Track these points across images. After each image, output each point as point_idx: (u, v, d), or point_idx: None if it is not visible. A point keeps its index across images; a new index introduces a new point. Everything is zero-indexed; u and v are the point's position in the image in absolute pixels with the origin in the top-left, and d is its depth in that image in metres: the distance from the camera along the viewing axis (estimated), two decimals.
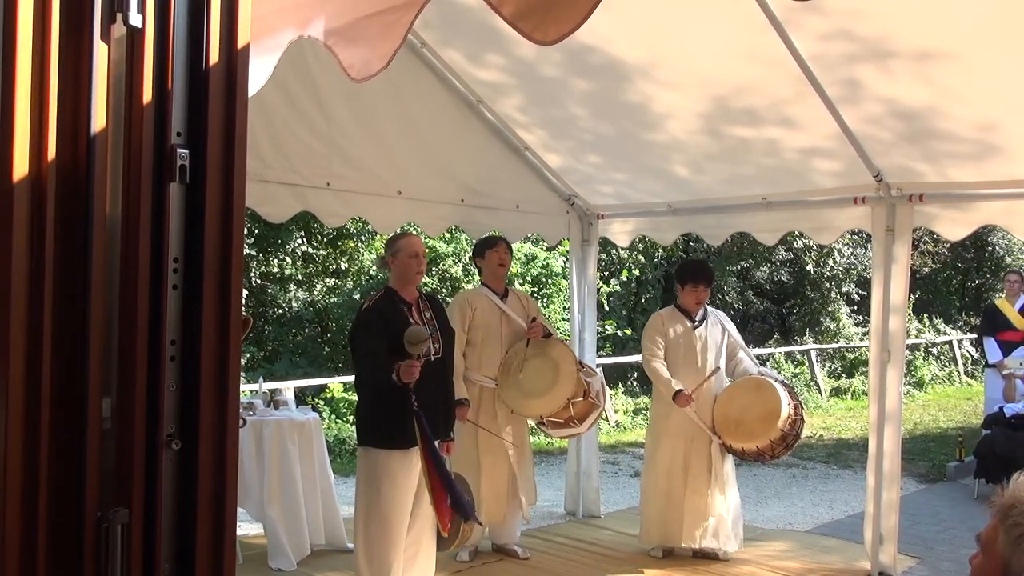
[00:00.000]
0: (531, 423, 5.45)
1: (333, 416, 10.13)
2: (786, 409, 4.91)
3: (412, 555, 4.16)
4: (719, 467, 5.19)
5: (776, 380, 5.18)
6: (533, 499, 5.48)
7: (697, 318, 5.30)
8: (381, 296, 4.16)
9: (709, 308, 5.42)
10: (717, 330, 5.34)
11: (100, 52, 1.20)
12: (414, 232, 6.28)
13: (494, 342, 5.14)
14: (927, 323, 17.72)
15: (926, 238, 17.31)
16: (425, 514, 4.20)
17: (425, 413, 4.08)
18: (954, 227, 4.78)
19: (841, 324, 16.98)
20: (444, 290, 11.78)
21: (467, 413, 4.88)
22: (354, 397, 10.40)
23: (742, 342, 5.50)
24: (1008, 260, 18.61)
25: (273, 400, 5.39)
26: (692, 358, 5.22)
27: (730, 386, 5.24)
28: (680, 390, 5.08)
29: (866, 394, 11.73)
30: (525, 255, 12.39)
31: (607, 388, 12.04)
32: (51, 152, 1.17)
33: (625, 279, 14.23)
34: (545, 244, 11.97)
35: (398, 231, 4.86)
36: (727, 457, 5.25)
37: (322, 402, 10.30)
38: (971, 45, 3.63)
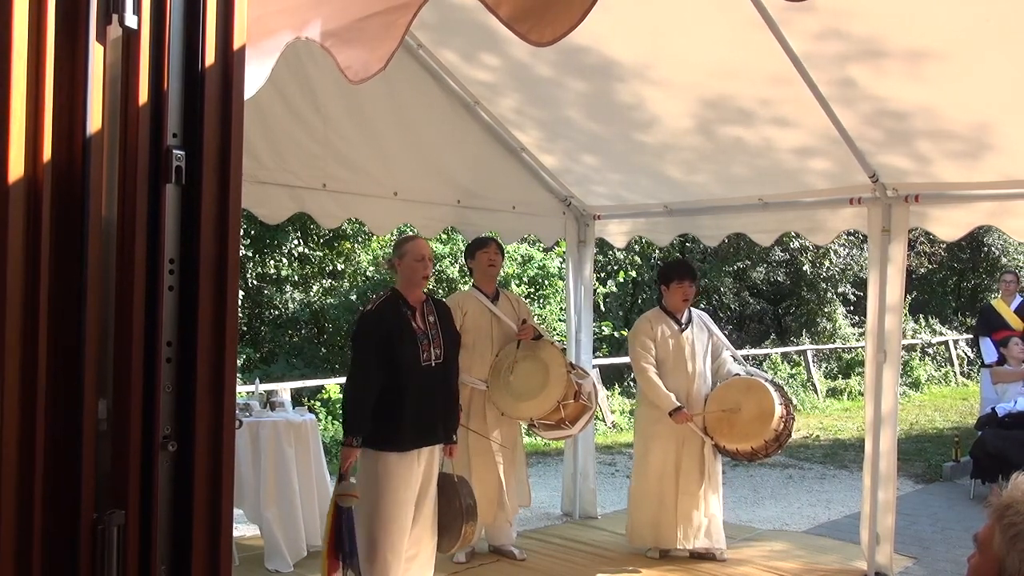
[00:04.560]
0: (524, 425, 5.45)
1: (329, 417, 10.12)
2: (779, 409, 4.90)
3: (412, 556, 4.15)
4: (711, 468, 5.19)
5: (765, 379, 5.16)
6: (527, 501, 5.48)
7: (683, 320, 5.29)
8: (386, 299, 4.15)
9: (693, 310, 5.41)
10: (703, 332, 5.34)
11: (96, 53, 1.20)
12: (410, 233, 6.28)
13: (484, 344, 5.14)
14: (923, 323, 17.76)
15: (922, 238, 17.37)
16: (426, 515, 4.19)
17: (424, 418, 4.08)
18: (950, 227, 4.79)
19: (837, 324, 17.02)
20: (440, 291, 11.78)
21: (459, 417, 4.88)
22: None
23: (726, 341, 5.50)
24: (1004, 260, 18.67)
25: (269, 401, 5.38)
26: (682, 363, 5.20)
27: (720, 387, 5.21)
28: (680, 407, 5.07)
29: (862, 394, 11.74)
30: (522, 256, 12.40)
31: (603, 389, 11.95)
32: (47, 153, 1.17)
33: (622, 280, 14.25)
34: (541, 245, 11.98)
35: (394, 232, 4.86)
36: (717, 458, 5.26)
37: (318, 403, 10.29)
38: (965, 44, 3.64)
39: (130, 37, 1.23)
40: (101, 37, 1.21)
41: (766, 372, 9.35)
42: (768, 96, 4.39)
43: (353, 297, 12.36)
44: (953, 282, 20.36)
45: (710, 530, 5.22)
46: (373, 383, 3.96)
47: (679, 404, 5.07)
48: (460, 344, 4.55)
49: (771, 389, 5.00)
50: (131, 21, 1.21)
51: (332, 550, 3.92)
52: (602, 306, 13.57)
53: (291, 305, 12.75)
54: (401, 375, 4.00)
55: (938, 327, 18.20)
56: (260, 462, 4.98)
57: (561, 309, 11.76)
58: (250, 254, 12.05)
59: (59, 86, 1.18)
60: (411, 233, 6.47)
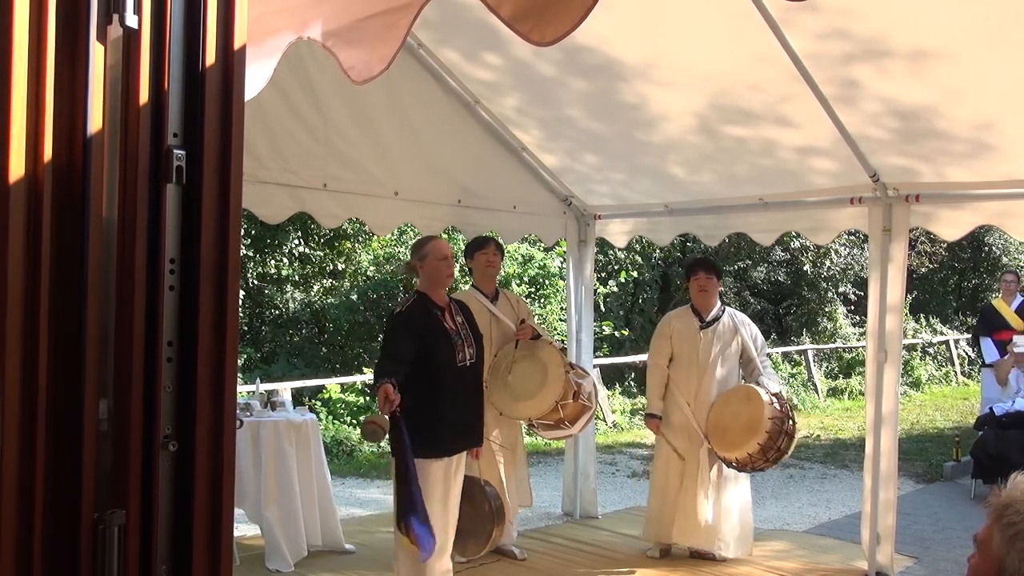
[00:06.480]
0: (524, 424, 5.45)
1: (330, 417, 10.13)
2: (767, 423, 4.75)
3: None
4: (705, 470, 5.10)
5: (768, 391, 4.92)
6: (528, 501, 5.48)
7: (708, 318, 5.25)
8: (414, 301, 4.09)
9: (729, 309, 5.37)
10: (731, 333, 5.23)
11: (96, 53, 1.20)
12: (412, 232, 6.27)
13: (484, 344, 5.12)
14: (924, 323, 17.75)
15: (923, 238, 17.35)
16: (451, 517, 4.13)
17: (463, 419, 4.03)
18: (951, 227, 4.79)
19: (838, 324, 17.01)
20: None
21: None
22: (350, 398, 10.46)
23: (760, 346, 5.34)
24: (1004, 260, 18.65)
25: (270, 401, 5.38)
26: (695, 359, 5.18)
27: (725, 392, 5.13)
28: (652, 414, 5.30)
29: (863, 394, 11.75)
30: (522, 256, 12.39)
31: (604, 389, 11.90)
32: (47, 154, 1.17)
33: (622, 280, 14.23)
34: (542, 245, 11.96)
35: (395, 232, 4.87)
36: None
37: (319, 403, 10.30)
38: (966, 44, 3.64)
39: (130, 37, 1.23)
40: (101, 37, 1.21)
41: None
42: (770, 96, 4.39)
43: (354, 297, 12.36)
44: (954, 282, 20.35)
45: (709, 532, 5.14)
46: (406, 357, 3.84)
47: (656, 413, 5.27)
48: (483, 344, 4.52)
49: (767, 402, 4.83)
50: (131, 21, 1.21)
51: (399, 523, 3.76)
52: (602, 306, 13.54)
53: (292, 305, 12.74)
54: (436, 377, 3.92)
55: (939, 327, 18.19)
56: (261, 462, 4.98)
57: (562, 309, 11.76)
58: (251, 254, 12.05)
59: (59, 86, 1.18)
60: (412, 233, 6.47)
